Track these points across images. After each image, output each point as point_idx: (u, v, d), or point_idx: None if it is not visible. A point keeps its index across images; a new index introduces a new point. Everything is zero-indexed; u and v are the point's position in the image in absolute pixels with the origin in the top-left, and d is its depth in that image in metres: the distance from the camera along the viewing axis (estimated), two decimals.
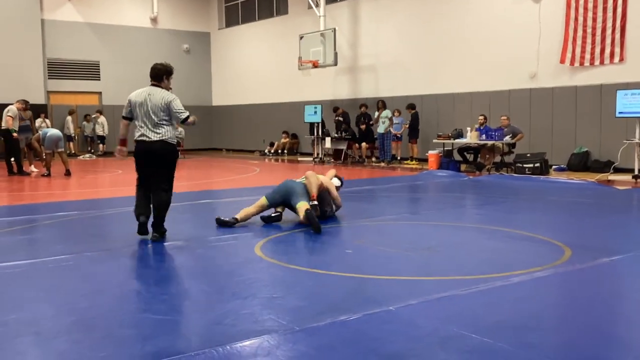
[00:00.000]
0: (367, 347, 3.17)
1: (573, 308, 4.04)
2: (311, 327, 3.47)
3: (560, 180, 11.75)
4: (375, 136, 16.99)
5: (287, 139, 20.67)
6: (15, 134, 13.41)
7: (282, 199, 7.14)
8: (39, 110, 14.65)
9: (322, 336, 3.35)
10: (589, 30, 13.13)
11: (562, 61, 13.58)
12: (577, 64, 13.39)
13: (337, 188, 7.65)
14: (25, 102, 14.06)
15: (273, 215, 7.19)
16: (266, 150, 21.03)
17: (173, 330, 3.60)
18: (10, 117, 13.39)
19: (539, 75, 14.10)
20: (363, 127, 16.97)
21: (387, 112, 16.18)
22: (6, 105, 14.26)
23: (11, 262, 5.20)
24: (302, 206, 6.73)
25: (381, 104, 16.44)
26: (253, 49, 22.72)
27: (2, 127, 13.59)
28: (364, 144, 17.01)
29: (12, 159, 13.73)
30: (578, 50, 13.34)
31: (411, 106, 15.91)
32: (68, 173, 13.29)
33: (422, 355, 3.06)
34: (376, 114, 16.47)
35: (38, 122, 16.92)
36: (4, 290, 4.39)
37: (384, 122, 16.12)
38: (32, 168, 14.10)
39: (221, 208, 9.09)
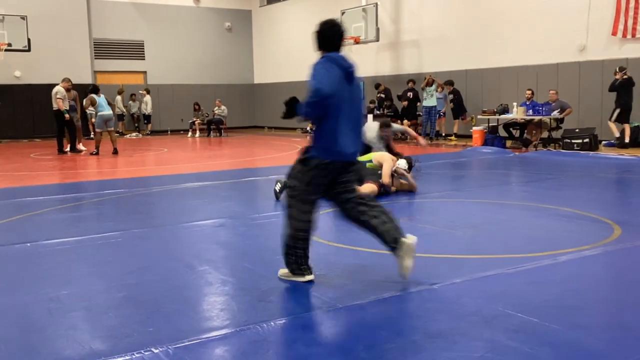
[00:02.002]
0: (411, 325, 3.16)
1: (622, 287, 3.93)
2: (355, 304, 3.48)
3: (610, 156, 11.40)
4: (418, 112, 16.78)
5: None
6: (67, 115, 13.83)
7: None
8: (84, 90, 15.02)
9: (366, 314, 3.35)
10: None
11: (614, 33, 13.07)
12: (629, 35, 12.88)
13: (407, 170, 7.75)
14: (69, 81, 14.41)
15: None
16: (308, 128, 20.98)
17: (218, 306, 3.66)
18: (60, 99, 13.78)
19: (588, 47, 13.63)
20: (405, 103, 16.75)
21: (434, 87, 15.90)
22: (56, 85, 14.64)
23: (62, 238, 5.37)
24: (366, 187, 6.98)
25: (430, 78, 16.07)
26: (294, 26, 22.61)
27: (54, 109, 13.98)
28: (405, 121, 16.81)
29: (64, 138, 14.18)
30: (630, 21, 12.81)
31: (450, 83, 15.60)
32: (115, 152, 13.60)
33: (467, 334, 3.03)
34: (427, 88, 16.07)
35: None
36: (55, 266, 4.54)
37: (431, 96, 15.87)
38: (81, 147, 14.48)
39: (263, 186, 9.16)
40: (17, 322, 3.38)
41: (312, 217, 3.93)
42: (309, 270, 3.94)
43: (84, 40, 21.07)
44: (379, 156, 7.70)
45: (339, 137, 3.81)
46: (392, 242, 3.80)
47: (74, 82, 15.01)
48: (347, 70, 3.90)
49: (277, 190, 7.17)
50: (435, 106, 15.88)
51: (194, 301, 3.75)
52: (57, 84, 14.26)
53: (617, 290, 3.91)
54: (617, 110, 12.51)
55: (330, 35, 4.07)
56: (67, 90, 14.13)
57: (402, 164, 7.75)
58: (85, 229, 5.92)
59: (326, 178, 3.89)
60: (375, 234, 3.89)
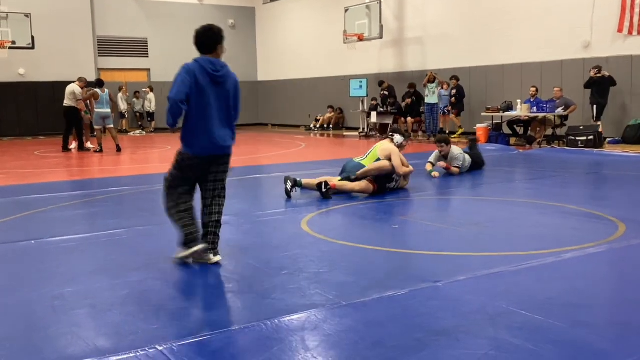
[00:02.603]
0: (414, 322, 3.15)
1: (627, 285, 3.93)
2: (358, 302, 3.48)
3: (615, 153, 11.37)
4: (421, 110, 16.76)
5: (333, 113, 20.60)
6: (88, 116, 14.03)
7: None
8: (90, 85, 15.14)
9: (369, 311, 3.35)
10: None
11: (620, 30, 13.01)
12: (635, 32, 12.82)
13: (401, 146, 7.62)
14: (85, 80, 14.54)
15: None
16: (312, 125, 21.01)
17: (222, 303, 3.67)
18: (81, 100, 13.94)
19: (592, 44, 13.58)
20: (408, 101, 16.73)
21: (435, 84, 15.88)
22: (60, 83, 14.69)
23: (66, 236, 5.38)
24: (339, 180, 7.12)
25: (432, 75, 16.04)
26: (298, 23, 22.60)
27: (65, 106, 14.05)
28: (409, 119, 16.79)
29: (71, 136, 14.25)
30: (636, 18, 12.75)
31: (456, 78, 15.58)
32: (118, 149, 13.63)
33: (471, 332, 3.03)
34: (429, 85, 16.04)
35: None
36: (60, 264, 4.55)
37: (433, 93, 15.84)
38: (89, 145, 14.51)
39: (267, 184, 9.17)
40: (21, 320, 3.39)
41: (187, 202, 4.43)
42: (194, 243, 4.35)
43: (88, 37, 21.09)
44: (384, 149, 7.50)
45: (204, 134, 4.27)
46: (198, 238, 4.37)
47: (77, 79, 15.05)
48: (211, 74, 4.26)
49: (288, 189, 7.17)
50: (437, 104, 15.84)
51: (198, 299, 3.76)
52: (62, 82, 14.32)
53: (622, 288, 3.90)
54: (595, 108, 12.76)
55: (202, 41, 4.38)
56: (82, 89, 14.22)
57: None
58: (89, 227, 5.94)
59: (196, 169, 4.37)
60: (198, 221, 4.46)
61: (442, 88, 15.91)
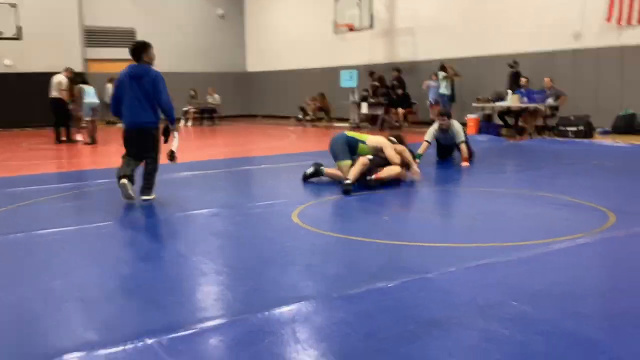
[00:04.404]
0: (405, 314, 3.15)
1: (618, 275, 3.94)
2: (349, 294, 3.47)
3: (605, 143, 11.42)
4: (412, 100, 16.72)
5: (315, 101, 20.28)
6: (72, 106, 13.89)
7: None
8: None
9: (360, 303, 3.35)
10: None
11: (609, 19, 13.04)
12: (624, 22, 12.85)
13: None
14: (72, 70, 14.41)
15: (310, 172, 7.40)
16: (300, 116, 20.85)
17: (213, 296, 3.66)
18: (65, 90, 13.83)
19: (583, 35, 13.59)
20: (400, 92, 16.69)
21: (441, 75, 15.47)
22: (47, 74, 14.53)
23: (56, 228, 5.33)
24: (342, 165, 7.12)
25: (439, 66, 15.77)
26: (287, 13, 22.48)
27: (53, 97, 13.90)
28: (400, 109, 16.77)
29: (61, 127, 14.14)
30: (626, 8, 12.77)
31: (443, 68, 15.50)
32: (94, 141, 13.55)
33: (462, 323, 3.03)
34: (440, 75, 15.59)
35: None
36: (49, 256, 4.51)
37: (445, 85, 15.35)
38: (78, 137, 14.39)
39: (259, 175, 9.14)
40: (12, 313, 3.36)
41: (129, 162, 6.39)
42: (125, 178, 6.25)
43: (75, 28, 20.88)
44: (375, 141, 7.51)
45: (126, 114, 6.33)
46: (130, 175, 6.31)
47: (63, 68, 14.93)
48: (130, 74, 6.30)
49: (307, 174, 7.33)
50: (446, 94, 15.41)
51: (189, 291, 3.74)
52: (49, 72, 14.18)
53: (613, 278, 3.92)
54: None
55: (131, 52, 6.41)
56: (69, 80, 14.08)
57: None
58: (78, 219, 5.89)
59: (129, 138, 6.41)
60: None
61: (431, 79, 15.87)
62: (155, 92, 6.21)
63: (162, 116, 6.43)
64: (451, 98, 15.48)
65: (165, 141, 6.59)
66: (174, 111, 6.50)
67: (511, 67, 14.17)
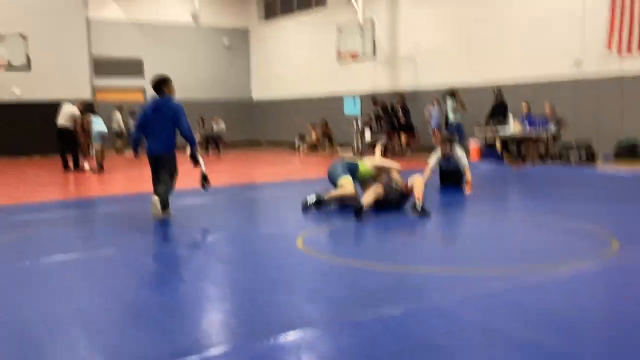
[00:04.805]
0: (411, 341, 3.16)
1: (621, 302, 3.94)
2: (354, 320, 3.49)
3: (607, 170, 11.44)
4: (415, 126, 16.83)
5: (316, 130, 20.32)
6: (82, 138, 14.26)
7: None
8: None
9: (365, 330, 3.36)
10: (637, 16, 12.70)
11: (609, 46, 13.17)
12: (624, 50, 12.98)
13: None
14: (82, 104, 14.87)
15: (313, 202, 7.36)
16: (297, 146, 20.68)
17: (218, 322, 3.67)
18: (77, 122, 14.19)
19: (584, 62, 13.72)
20: (402, 119, 16.81)
21: (450, 102, 15.22)
22: (56, 103, 14.77)
23: (61, 255, 5.37)
24: (344, 180, 7.26)
25: (449, 92, 15.50)
26: (291, 43, 22.77)
27: (62, 126, 14.15)
28: (403, 136, 16.86)
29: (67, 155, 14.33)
30: (625, 36, 12.92)
31: (453, 95, 15.55)
32: (101, 168, 13.71)
33: (467, 349, 3.04)
34: (448, 102, 15.38)
35: None
36: (54, 283, 4.53)
37: (455, 111, 15.14)
38: (86, 165, 14.51)
39: (262, 201, 9.19)
40: (15, 340, 3.38)
41: (156, 182, 7.13)
42: (163, 209, 6.92)
43: (84, 58, 21.19)
44: (374, 161, 7.70)
45: (148, 143, 7.11)
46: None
47: (74, 99, 15.24)
48: (153, 106, 7.06)
49: (308, 203, 7.27)
50: (459, 122, 15.08)
51: (194, 317, 3.76)
52: (57, 101, 14.42)
53: (616, 305, 3.91)
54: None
55: (153, 86, 7.09)
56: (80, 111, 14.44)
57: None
58: (84, 246, 5.93)
59: (151, 162, 7.14)
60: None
61: (432, 105, 15.98)
62: (176, 122, 6.93)
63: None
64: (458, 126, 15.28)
65: (195, 165, 7.31)
66: (195, 138, 7.24)
67: (495, 95, 14.40)
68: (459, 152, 9.02)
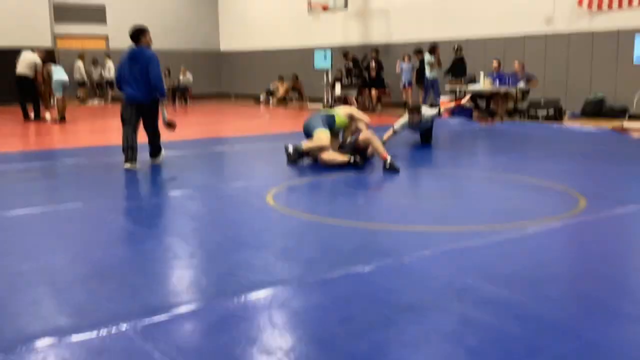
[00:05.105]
0: (382, 298, 3.16)
1: (589, 259, 4.01)
2: (324, 278, 3.47)
3: (575, 127, 11.58)
4: (386, 81, 16.72)
5: (287, 83, 20.03)
6: (42, 88, 13.73)
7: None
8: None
9: (336, 288, 3.34)
10: None
11: (580, 3, 13.16)
12: (594, 7, 12.98)
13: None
14: (44, 51, 14.25)
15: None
16: (261, 98, 20.35)
17: (187, 279, 3.61)
18: (38, 71, 13.59)
19: (555, 19, 13.71)
20: (373, 73, 16.65)
21: (428, 57, 14.94)
22: (15, 50, 14.17)
23: (24, 208, 5.20)
24: (320, 132, 7.27)
25: (429, 47, 15.39)
26: None
27: (22, 74, 13.57)
28: (374, 91, 16.74)
29: (28, 104, 13.84)
30: None
31: (420, 52, 15.48)
32: (63, 119, 13.32)
33: (437, 307, 3.05)
34: (426, 57, 15.08)
35: None
36: (17, 239, 4.40)
37: (432, 69, 14.86)
38: (47, 115, 14.07)
39: (232, 156, 9.07)
40: None
41: (129, 132, 7.20)
42: (130, 162, 7.12)
43: (43, 3, 20.30)
44: (344, 110, 7.84)
45: (126, 91, 7.24)
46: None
47: (33, 46, 14.62)
48: (129, 55, 7.19)
49: (291, 154, 7.29)
50: (435, 78, 14.87)
51: (162, 275, 3.69)
52: (16, 48, 13.84)
53: (585, 262, 3.98)
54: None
55: (130, 36, 7.21)
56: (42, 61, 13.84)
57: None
58: (47, 200, 5.76)
59: (132, 110, 7.24)
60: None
61: (403, 61, 15.84)
62: (148, 70, 7.07)
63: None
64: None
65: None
66: (163, 86, 7.25)
67: (455, 51, 14.48)
68: (427, 114, 8.92)
